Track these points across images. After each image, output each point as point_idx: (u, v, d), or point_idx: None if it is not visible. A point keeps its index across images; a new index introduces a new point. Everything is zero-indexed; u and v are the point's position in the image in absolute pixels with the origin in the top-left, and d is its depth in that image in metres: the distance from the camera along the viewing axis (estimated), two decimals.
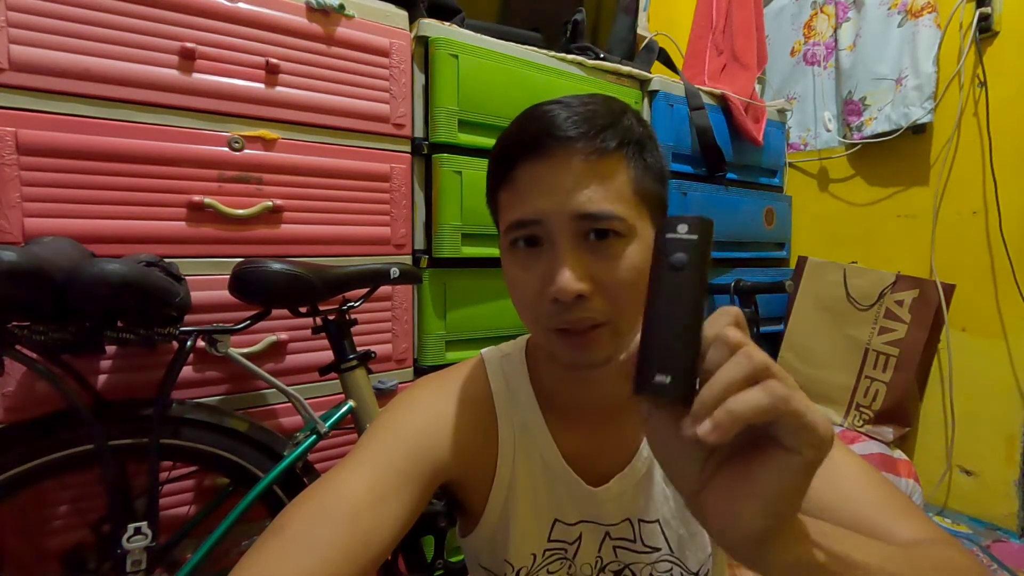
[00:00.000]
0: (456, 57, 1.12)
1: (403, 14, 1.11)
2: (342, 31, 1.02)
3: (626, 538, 0.56)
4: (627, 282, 0.45)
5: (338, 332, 0.91)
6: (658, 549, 0.56)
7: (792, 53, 1.99)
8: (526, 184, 0.46)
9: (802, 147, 1.97)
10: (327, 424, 0.88)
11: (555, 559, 0.56)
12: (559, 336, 0.46)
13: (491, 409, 0.56)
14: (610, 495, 0.55)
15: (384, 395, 1.08)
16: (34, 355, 0.69)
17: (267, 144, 0.95)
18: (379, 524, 0.43)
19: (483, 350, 0.61)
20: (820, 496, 0.45)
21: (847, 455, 0.49)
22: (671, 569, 0.57)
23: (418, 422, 0.51)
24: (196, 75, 0.89)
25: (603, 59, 1.40)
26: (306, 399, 0.88)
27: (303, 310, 0.88)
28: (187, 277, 0.82)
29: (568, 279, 0.43)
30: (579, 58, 1.34)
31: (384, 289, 1.07)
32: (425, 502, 0.48)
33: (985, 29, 1.49)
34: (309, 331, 0.95)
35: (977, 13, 1.48)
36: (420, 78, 1.14)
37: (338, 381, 0.92)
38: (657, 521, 0.56)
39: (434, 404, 0.54)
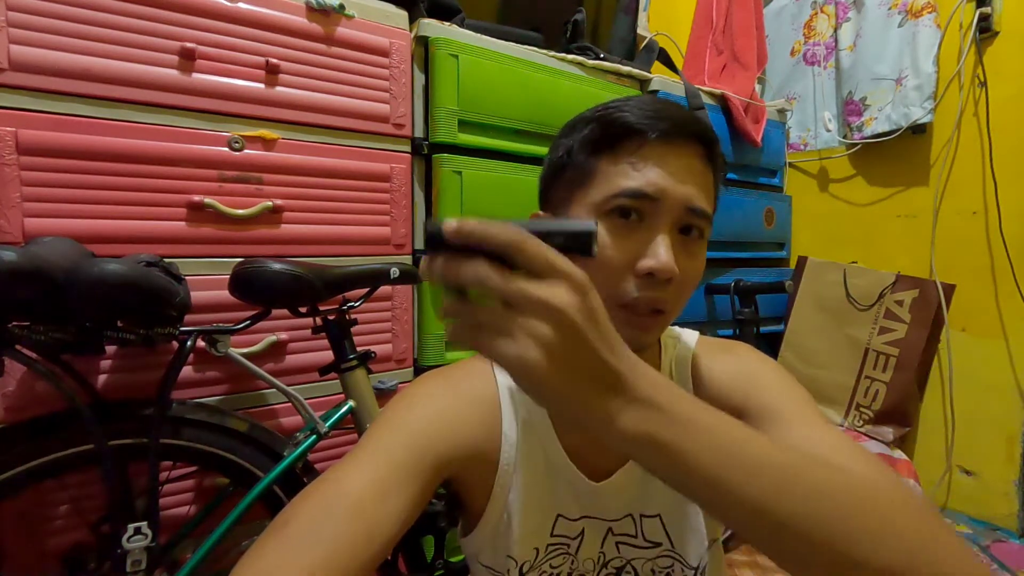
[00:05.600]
0: (456, 57, 1.12)
1: (403, 14, 1.11)
2: (342, 31, 1.02)
3: (628, 533, 0.56)
4: (694, 281, 0.50)
5: (338, 332, 0.91)
6: (659, 544, 0.57)
7: (792, 53, 1.98)
8: (653, 160, 0.48)
9: (802, 147, 1.97)
10: (327, 424, 0.88)
11: (557, 554, 0.56)
12: (623, 311, 0.48)
13: (495, 405, 0.55)
14: (612, 490, 0.55)
15: (384, 395, 1.08)
16: (34, 355, 0.69)
17: (267, 144, 0.95)
18: (382, 519, 0.42)
19: None
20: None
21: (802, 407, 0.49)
22: (672, 565, 0.57)
23: (421, 417, 0.51)
24: (196, 75, 0.89)
25: (603, 59, 1.40)
26: (306, 399, 0.88)
27: (303, 310, 0.88)
28: (187, 277, 0.82)
29: (672, 259, 0.46)
30: (579, 58, 1.34)
31: (384, 289, 1.07)
32: (428, 498, 0.48)
33: (985, 29, 1.49)
34: (309, 331, 0.95)
35: (977, 13, 1.48)
36: (420, 78, 1.14)
37: (338, 381, 0.92)
38: (658, 516, 0.57)
39: (437, 399, 0.53)
